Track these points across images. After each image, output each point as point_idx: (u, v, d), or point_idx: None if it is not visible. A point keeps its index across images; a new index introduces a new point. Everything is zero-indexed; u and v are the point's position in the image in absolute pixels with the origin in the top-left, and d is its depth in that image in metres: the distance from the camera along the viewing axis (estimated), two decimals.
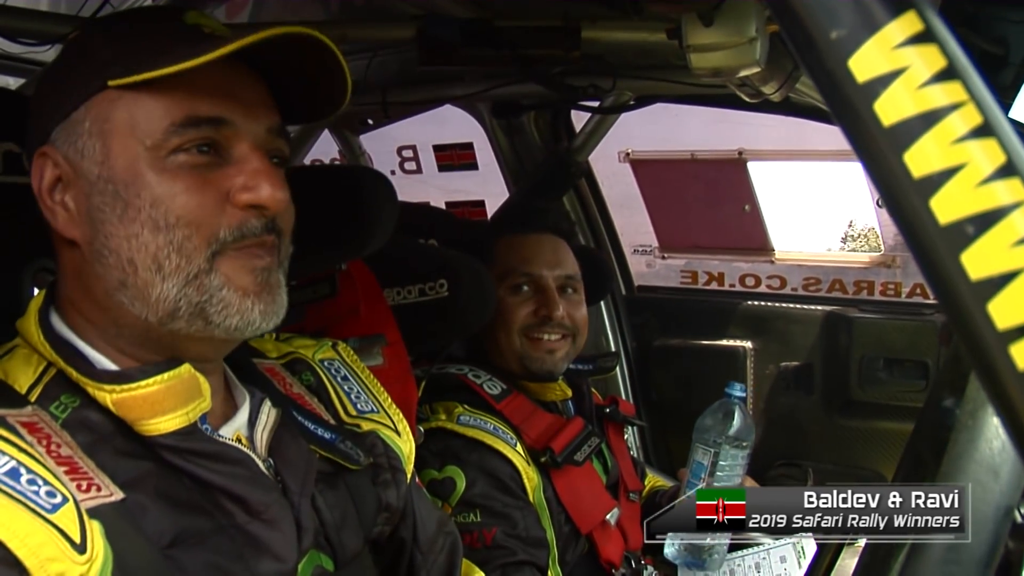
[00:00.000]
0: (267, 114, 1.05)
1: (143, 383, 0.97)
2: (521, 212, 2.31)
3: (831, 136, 2.87)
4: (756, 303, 3.24)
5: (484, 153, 3.40)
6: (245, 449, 1.05)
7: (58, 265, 1.06)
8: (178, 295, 0.98)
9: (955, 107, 0.45)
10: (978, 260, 0.44)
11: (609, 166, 3.32)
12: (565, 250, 2.12)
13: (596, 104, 2.73)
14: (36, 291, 1.22)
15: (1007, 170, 0.44)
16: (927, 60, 0.46)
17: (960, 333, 0.45)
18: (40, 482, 0.86)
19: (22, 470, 0.85)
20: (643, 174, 3.37)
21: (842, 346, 3.03)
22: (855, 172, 3.14)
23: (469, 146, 3.52)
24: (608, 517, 1.98)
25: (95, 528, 0.87)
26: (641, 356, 3.34)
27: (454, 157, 3.61)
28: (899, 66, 0.46)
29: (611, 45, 1.91)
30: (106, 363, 1.01)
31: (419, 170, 3.71)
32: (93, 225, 0.98)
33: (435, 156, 3.65)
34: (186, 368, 1.00)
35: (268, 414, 1.12)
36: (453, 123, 3.31)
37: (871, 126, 0.46)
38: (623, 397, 3.20)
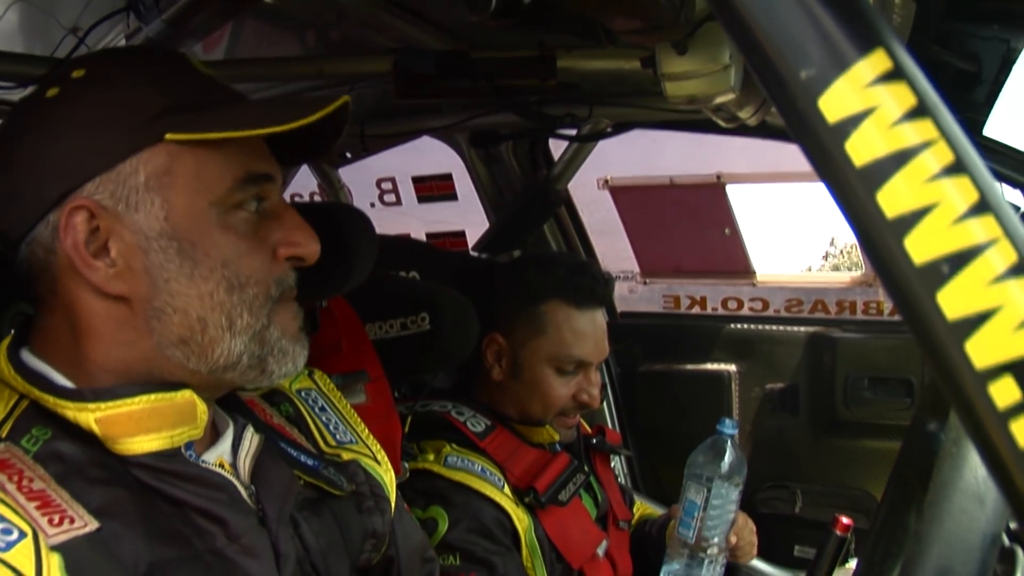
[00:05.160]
0: (279, 166, 1.09)
1: (128, 400, 0.97)
2: (583, 279, 2.06)
3: None
4: (739, 326, 3.24)
5: (463, 183, 3.41)
6: (227, 475, 1.04)
7: (58, 316, 1.02)
8: (243, 350, 1.02)
9: (926, 145, 0.45)
10: (954, 299, 0.44)
11: (588, 193, 3.34)
12: (605, 328, 2.09)
13: (573, 132, 2.74)
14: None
15: (980, 207, 0.44)
16: (897, 98, 0.45)
17: (938, 373, 0.44)
18: None
19: None
20: (622, 200, 3.39)
21: (826, 366, 3.02)
22: None
23: (448, 177, 3.53)
24: (597, 550, 1.96)
25: (53, 563, 0.85)
26: (626, 383, 3.32)
27: (433, 188, 3.61)
28: (869, 105, 0.45)
29: (586, 74, 1.91)
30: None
31: (398, 202, 3.71)
32: (153, 283, 0.98)
33: (414, 187, 3.66)
34: (184, 394, 1.01)
35: (251, 440, 1.11)
36: (431, 154, 3.31)
37: (843, 166, 0.46)
38: (609, 424, 3.20)
